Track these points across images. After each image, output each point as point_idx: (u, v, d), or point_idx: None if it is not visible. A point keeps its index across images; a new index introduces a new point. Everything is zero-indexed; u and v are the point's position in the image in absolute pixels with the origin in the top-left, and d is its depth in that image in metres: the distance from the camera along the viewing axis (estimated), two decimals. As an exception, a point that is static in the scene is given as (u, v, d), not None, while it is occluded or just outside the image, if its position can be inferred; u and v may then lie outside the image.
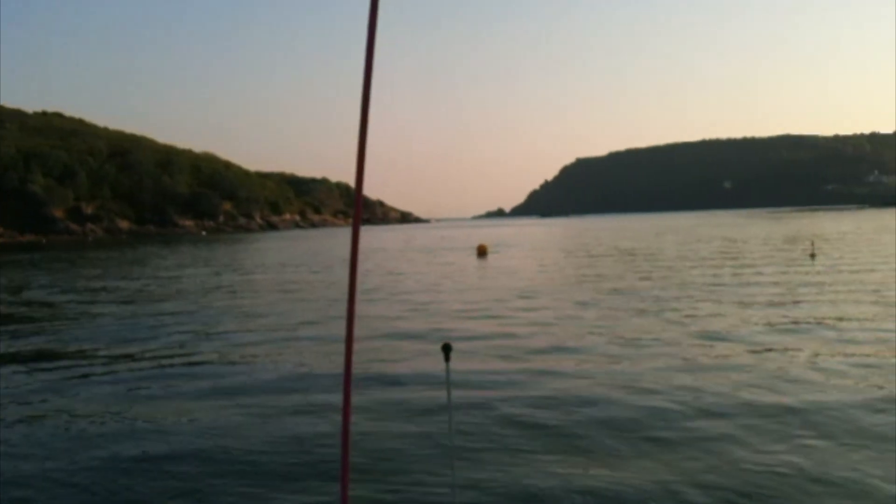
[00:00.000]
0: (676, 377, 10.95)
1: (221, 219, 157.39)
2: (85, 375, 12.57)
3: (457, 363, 12.23)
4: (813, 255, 35.18)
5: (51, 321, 19.89)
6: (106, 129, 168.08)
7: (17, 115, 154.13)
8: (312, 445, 8.19)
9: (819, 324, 15.58)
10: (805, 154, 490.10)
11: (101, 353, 14.81)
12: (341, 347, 13.41)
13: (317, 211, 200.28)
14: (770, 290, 21.90)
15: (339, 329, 15.97)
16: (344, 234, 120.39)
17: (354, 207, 2.94)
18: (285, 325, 17.78)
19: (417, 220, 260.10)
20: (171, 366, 13.20)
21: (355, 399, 9.66)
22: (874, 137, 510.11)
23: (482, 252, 49.92)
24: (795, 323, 15.84)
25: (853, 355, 12.14)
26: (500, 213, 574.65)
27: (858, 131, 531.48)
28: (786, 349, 12.91)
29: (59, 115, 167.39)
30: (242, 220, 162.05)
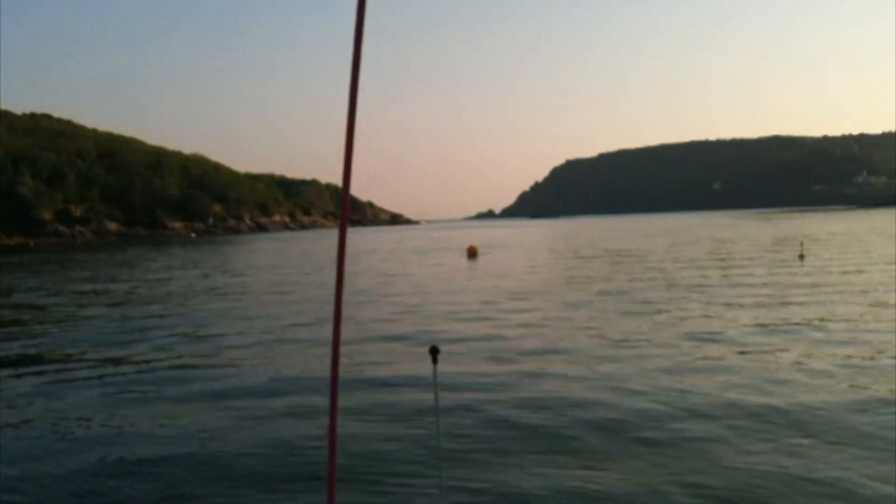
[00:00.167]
0: (665, 378, 10.98)
1: (211, 220, 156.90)
2: (73, 379, 12.52)
3: (446, 365, 12.24)
4: (802, 256, 35.32)
5: (40, 324, 19.81)
6: (95, 131, 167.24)
7: (6, 116, 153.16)
8: (300, 449, 8.17)
9: (807, 325, 15.63)
10: (794, 155, 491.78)
11: (90, 355, 14.76)
12: (326, 351, 13.42)
13: (306, 212, 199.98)
14: (759, 292, 21.98)
15: (329, 331, 15.91)
16: (334, 235, 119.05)
17: (342, 210, 2.94)
18: (275, 328, 17.74)
19: (408, 221, 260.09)
20: (160, 369, 13.16)
21: (343, 402, 9.66)
22: (863, 138, 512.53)
23: (472, 253, 49.93)
24: (784, 324, 15.89)
25: (841, 356, 12.18)
26: (490, 215, 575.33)
27: (847, 132, 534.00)
28: (774, 350, 12.95)
29: (47, 117, 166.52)
30: (232, 222, 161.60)
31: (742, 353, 12.84)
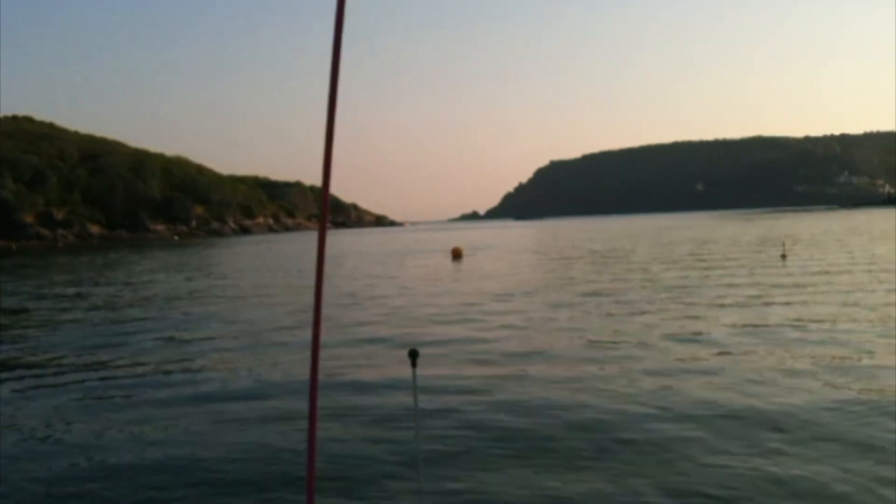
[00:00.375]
0: (646, 380, 10.99)
1: (194, 223, 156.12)
2: (54, 384, 12.43)
3: (428, 368, 12.23)
4: (784, 257, 35.52)
5: (21, 328, 19.66)
6: (77, 133, 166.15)
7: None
8: (279, 452, 8.13)
9: (789, 325, 15.69)
10: (776, 155, 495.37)
11: (71, 360, 14.66)
12: (310, 353, 13.41)
13: (290, 215, 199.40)
14: (741, 292, 22.06)
15: (310, 333, 15.85)
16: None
17: (321, 213, 2.93)
18: (258, 331, 17.65)
19: (392, 223, 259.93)
20: (141, 373, 13.07)
21: (324, 405, 9.63)
22: (844, 139, 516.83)
23: (457, 255, 49.93)
24: (765, 325, 15.95)
25: (822, 357, 12.22)
26: (474, 216, 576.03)
27: (829, 132, 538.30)
28: (755, 351, 12.98)
29: (29, 120, 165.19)
30: (215, 225, 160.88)
31: (724, 354, 12.86)
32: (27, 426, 9.69)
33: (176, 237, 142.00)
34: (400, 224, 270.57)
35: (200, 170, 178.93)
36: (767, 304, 19.31)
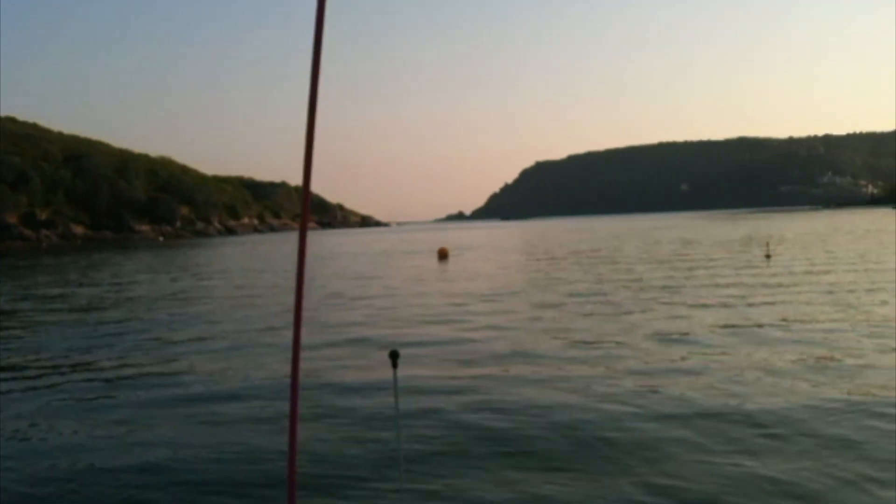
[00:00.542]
0: (630, 380, 11.00)
1: (179, 224, 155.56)
2: (36, 386, 12.31)
3: (412, 369, 12.22)
4: (768, 256, 35.70)
5: (3, 329, 19.51)
6: (60, 134, 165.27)
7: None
8: (263, 454, 8.08)
9: (773, 325, 15.75)
10: (760, 156, 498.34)
11: (54, 361, 14.54)
12: (291, 354, 13.38)
13: (276, 215, 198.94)
14: (726, 292, 22.14)
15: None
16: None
17: (302, 214, 2.90)
18: (242, 332, 17.58)
19: (378, 223, 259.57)
20: (124, 376, 12.96)
21: (306, 407, 9.61)
22: (828, 139, 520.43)
23: (443, 255, 49.93)
24: (750, 324, 15.99)
25: (805, 357, 12.26)
26: (460, 216, 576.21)
27: (812, 133, 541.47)
28: (739, 351, 13.00)
29: (12, 120, 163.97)
30: (200, 225, 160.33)
31: (707, 353, 12.88)
32: (10, 427, 9.61)
33: (161, 238, 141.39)
34: (386, 224, 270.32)
35: (185, 170, 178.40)
36: (751, 303, 19.39)
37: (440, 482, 7.07)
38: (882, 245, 42.79)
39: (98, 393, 11.67)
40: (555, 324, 17.24)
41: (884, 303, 18.48)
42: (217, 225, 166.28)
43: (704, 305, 19.35)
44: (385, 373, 11.73)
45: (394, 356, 4.29)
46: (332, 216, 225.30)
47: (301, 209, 2.87)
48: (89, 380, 12.71)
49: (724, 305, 19.23)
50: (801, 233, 66.07)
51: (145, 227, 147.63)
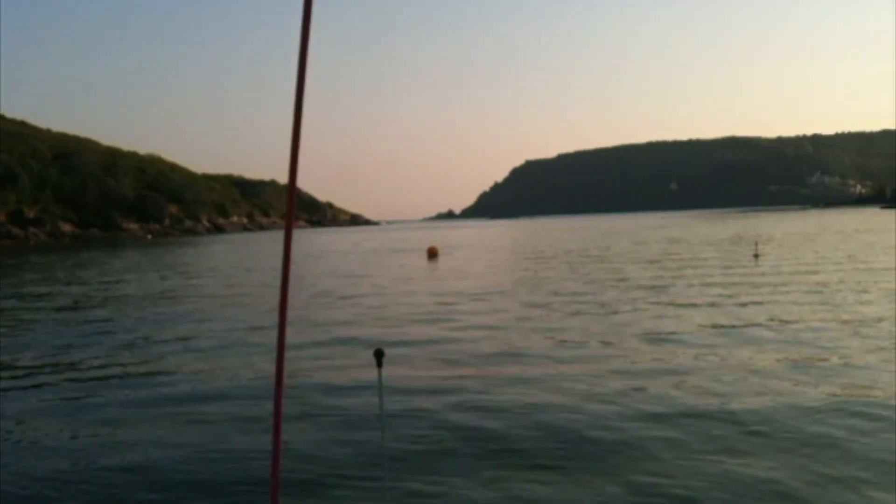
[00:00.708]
0: (617, 381, 10.99)
1: (167, 222, 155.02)
2: (22, 386, 12.22)
3: (399, 369, 12.20)
4: (757, 256, 35.81)
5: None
6: (49, 132, 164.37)
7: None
8: (248, 454, 8.05)
9: (760, 325, 15.79)
10: (749, 156, 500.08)
11: (40, 360, 14.45)
12: (286, 354, 13.33)
13: (265, 213, 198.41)
14: (714, 291, 22.20)
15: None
16: (294, 236, 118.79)
17: (287, 214, 2.90)
18: (231, 331, 17.53)
19: (367, 222, 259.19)
20: (109, 375, 12.89)
21: (292, 406, 9.57)
22: (816, 139, 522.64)
23: (433, 254, 49.94)
24: (737, 324, 16.02)
25: (793, 357, 12.30)
26: (450, 215, 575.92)
27: (801, 133, 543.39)
28: (727, 351, 13.02)
29: (0, 117, 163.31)
30: (189, 223, 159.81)
31: (695, 353, 12.90)
32: (-7, 427, 9.56)
33: (149, 236, 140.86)
34: (375, 223, 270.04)
35: (174, 168, 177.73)
36: (739, 303, 19.44)
37: (425, 482, 7.06)
38: (869, 245, 43.00)
39: (84, 392, 11.61)
40: (543, 323, 17.24)
41: (870, 302, 18.57)
42: (206, 223, 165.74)
43: (692, 305, 19.39)
44: (372, 372, 11.68)
45: (378, 355, 4.28)
46: (322, 214, 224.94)
47: (286, 209, 2.86)
48: (75, 379, 12.65)
49: (712, 305, 19.27)
50: (790, 232, 66.31)
51: (133, 226, 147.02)
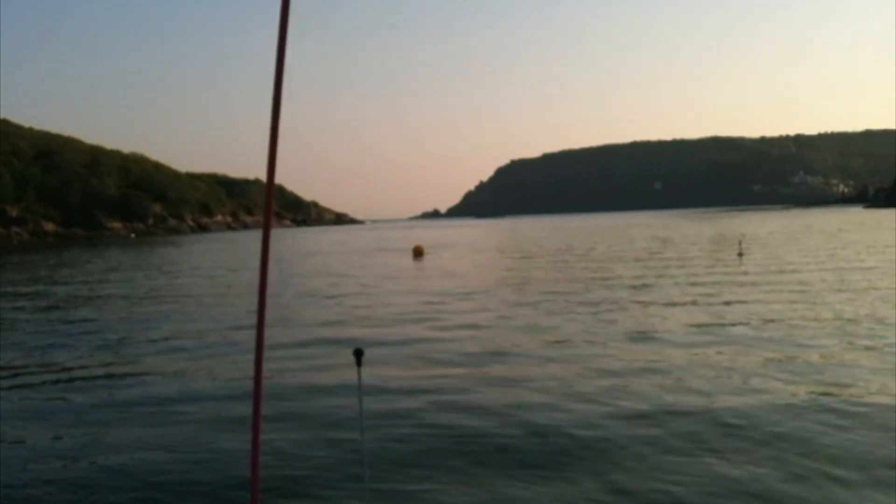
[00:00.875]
0: (602, 381, 10.99)
1: (151, 221, 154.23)
2: (1, 388, 12.10)
3: (383, 369, 12.13)
4: (741, 255, 35.98)
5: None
6: (31, 130, 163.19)
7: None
8: (230, 455, 7.99)
9: (744, 324, 15.84)
10: (733, 156, 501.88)
11: (21, 361, 14.33)
12: (267, 354, 13.24)
13: (249, 212, 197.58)
14: (698, 290, 22.26)
15: (268, 334, 15.69)
16: (277, 235, 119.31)
17: (265, 214, 2.86)
18: (215, 331, 17.45)
19: (353, 221, 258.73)
20: (93, 376, 12.78)
21: (275, 407, 9.52)
22: (799, 139, 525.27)
23: (418, 253, 49.95)
24: (721, 323, 16.07)
25: (776, 356, 12.32)
26: (435, 214, 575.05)
27: (784, 133, 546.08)
28: (711, 350, 13.04)
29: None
30: (173, 222, 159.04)
31: (679, 353, 12.91)
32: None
33: (133, 235, 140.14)
34: (361, 222, 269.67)
35: (158, 167, 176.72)
36: (723, 302, 19.50)
37: (407, 482, 7.03)
38: (851, 244, 43.28)
39: (66, 393, 11.54)
40: (527, 322, 17.24)
41: (852, 301, 18.66)
42: (190, 222, 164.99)
43: (676, 304, 19.44)
44: (354, 372, 11.63)
45: (358, 354, 4.26)
46: (307, 214, 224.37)
47: (265, 209, 2.83)
48: (57, 380, 12.55)
49: (696, 304, 19.33)
50: (773, 231, 66.68)
51: (117, 225, 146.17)
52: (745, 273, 27.51)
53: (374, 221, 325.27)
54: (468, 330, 16.48)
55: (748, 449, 7.69)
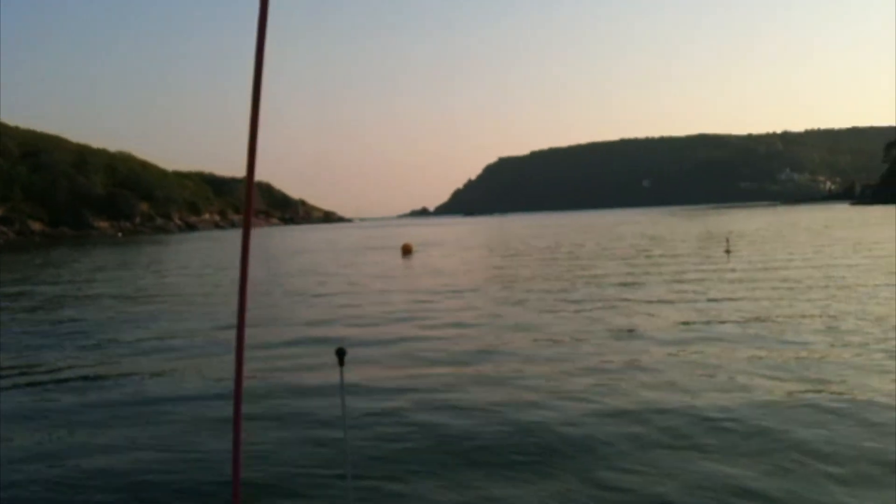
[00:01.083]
0: (589, 379, 10.98)
1: (138, 220, 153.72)
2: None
3: (370, 367, 12.08)
4: (728, 252, 36.10)
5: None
6: (17, 129, 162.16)
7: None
8: (211, 456, 7.96)
9: (731, 322, 15.85)
10: (720, 153, 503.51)
11: (7, 363, 14.15)
12: (254, 354, 13.18)
13: (237, 211, 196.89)
14: (685, 288, 22.31)
15: (255, 334, 15.66)
16: (265, 234, 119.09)
17: (245, 213, 2.84)
18: (200, 331, 17.37)
19: (341, 219, 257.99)
20: (79, 377, 12.69)
21: (259, 408, 9.49)
22: (786, 136, 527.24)
23: (407, 251, 49.95)
24: (708, 321, 16.07)
25: (763, 354, 12.33)
26: (424, 212, 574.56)
27: (771, 130, 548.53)
28: (698, 348, 13.03)
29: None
30: (160, 221, 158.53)
31: (666, 351, 12.92)
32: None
33: (120, 234, 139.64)
34: (349, 220, 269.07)
35: (145, 166, 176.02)
36: (710, 299, 19.54)
37: (391, 482, 7.01)
38: (838, 241, 43.45)
39: (49, 393, 11.48)
40: (515, 320, 17.24)
41: (838, 298, 18.73)
42: (177, 221, 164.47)
43: (664, 301, 19.47)
44: (338, 372, 11.56)
45: (340, 354, 4.23)
46: (295, 212, 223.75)
47: (245, 208, 2.81)
48: (43, 381, 12.47)
49: (684, 301, 19.36)
50: (760, 228, 66.93)
51: (104, 224, 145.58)
52: (733, 270, 27.59)
53: (362, 219, 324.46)
54: (456, 328, 16.47)
55: (733, 446, 7.71)
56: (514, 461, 7.53)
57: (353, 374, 10.81)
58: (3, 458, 8.20)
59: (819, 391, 9.77)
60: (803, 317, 16.06)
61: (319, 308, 21.17)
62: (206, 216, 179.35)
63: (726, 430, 8.22)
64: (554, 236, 68.40)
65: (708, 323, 15.80)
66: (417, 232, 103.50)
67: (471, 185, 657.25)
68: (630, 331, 15.11)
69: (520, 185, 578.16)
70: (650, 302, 19.43)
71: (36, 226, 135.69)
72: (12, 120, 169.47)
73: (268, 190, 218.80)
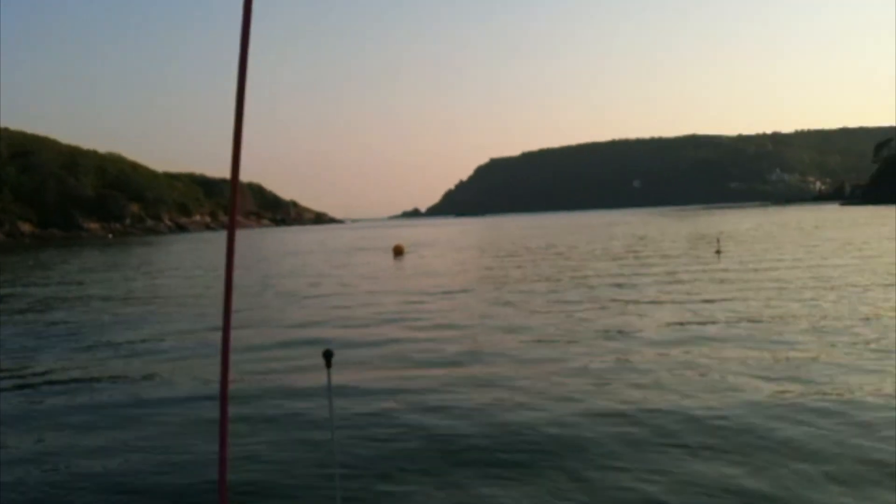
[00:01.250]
0: (580, 380, 10.98)
1: (128, 221, 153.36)
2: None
3: (360, 369, 12.05)
4: (718, 252, 36.17)
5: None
6: (7, 130, 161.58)
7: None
8: (201, 459, 7.92)
9: (722, 322, 15.87)
10: (710, 153, 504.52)
11: (-7, 365, 14.16)
12: (244, 356, 13.15)
13: (228, 212, 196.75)
14: (676, 288, 22.35)
15: (246, 335, 15.64)
16: (255, 235, 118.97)
17: (230, 213, 2.83)
18: (190, 333, 17.31)
19: (332, 220, 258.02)
20: (69, 379, 12.65)
21: (247, 411, 9.46)
22: (776, 137, 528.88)
23: (398, 252, 49.95)
24: (698, 322, 16.10)
25: (753, 355, 12.34)
26: (415, 213, 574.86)
27: (761, 131, 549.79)
28: (688, 349, 13.02)
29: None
30: (150, 223, 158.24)
31: (657, 351, 12.92)
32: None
33: (110, 235, 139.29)
34: (341, 221, 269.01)
35: (135, 167, 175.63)
36: (701, 300, 19.57)
37: (379, 484, 7.00)
38: (828, 241, 43.60)
39: (38, 395, 11.44)
40: (506, 321, 17.24)
41: (828, 299, 18.78)
42: (168, 222, 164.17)
43: (654, 302, 19.50)
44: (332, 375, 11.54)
45: (327, 356, 4.22)
46: (286, 213, 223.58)
47: (229, 209, 2.79)
48: (30, 383, 12.43)
49: (674, 302, 19.39)
50: (751, 228, 67.10)
51: (94, 225, 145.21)
52: (723, 270, 27.65)
53: (354, 221, 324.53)
54: (447, 330, 16.45)
55: (723, 446, 7.71)
56: (504, 461, 7.52)
57: (343, 376, 10.79)
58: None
59: (808, 391, 9.79)
60: (793, 317, 16.10)
61: (310, 309, 21.13)
62: (197, 217, 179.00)
63: (716, 430, 8.23)
64: (545, 237, 68.45)
65: (699, 323, 15.82)
66: (409, 233, 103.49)
67: (462, 186, 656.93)
68: (620, 331, 15.12)
69: (511, 186, 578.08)
70: (641, 302, 19.46)
71: (25, 227, 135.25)
72: (1, 121, 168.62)
73: (259, 191, 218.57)
